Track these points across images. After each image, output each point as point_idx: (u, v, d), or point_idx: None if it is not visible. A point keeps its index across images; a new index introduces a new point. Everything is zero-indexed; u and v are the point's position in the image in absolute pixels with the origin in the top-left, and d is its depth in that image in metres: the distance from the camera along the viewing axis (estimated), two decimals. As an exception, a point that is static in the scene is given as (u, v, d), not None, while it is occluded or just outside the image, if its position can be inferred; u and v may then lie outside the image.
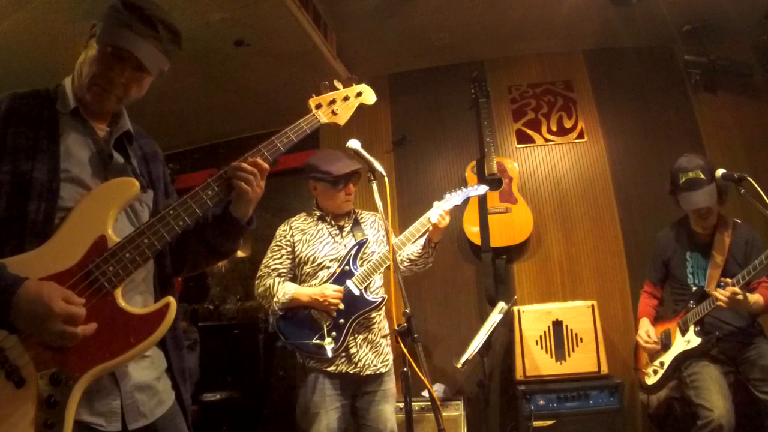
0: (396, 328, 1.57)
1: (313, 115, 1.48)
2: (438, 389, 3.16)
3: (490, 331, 2.68)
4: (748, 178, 2.20)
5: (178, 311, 1.17)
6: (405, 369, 1.53)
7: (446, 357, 3.38)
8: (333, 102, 1.53)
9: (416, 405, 2.85)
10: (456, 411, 2.95)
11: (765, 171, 3.12)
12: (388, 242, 1.74)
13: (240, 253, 5.09)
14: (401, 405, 2.79)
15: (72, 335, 1.01)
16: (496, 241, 3.37)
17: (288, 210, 4.44)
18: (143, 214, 1.29)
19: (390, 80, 4.01)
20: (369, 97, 1.63)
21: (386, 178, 1.76)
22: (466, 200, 2.53)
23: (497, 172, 3.45)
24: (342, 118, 1.55)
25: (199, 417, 3.58)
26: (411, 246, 2.39)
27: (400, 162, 3.84)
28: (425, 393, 2.70)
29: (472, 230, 3.45)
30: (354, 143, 1.88)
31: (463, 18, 3.37)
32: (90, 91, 1.23)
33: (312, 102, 1.51)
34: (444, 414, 2.88)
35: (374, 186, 1.82)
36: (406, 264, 2.45)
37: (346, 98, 1.56)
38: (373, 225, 2.51)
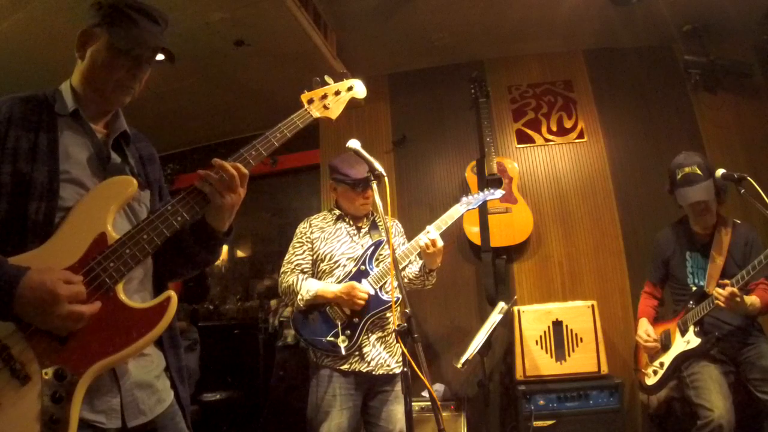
0: (396, 328, 1.57)
1: (306, 110, 1.49)
2: (438, 389, 3.16)
3: (490, 331, 2.68)
4: (748, 178, 2.20)
5: (179, 310, 1.18)
6: (405, 369, 1.53)
7: (446, 357, 3.39)
8: (325, 97, 1.54)
9: (416, 405, 2.85)
10: (456, 411, 2.95)
11: (765, 171, 3.12)
12: (388, 242, 1.74)
13: (240, 253, 5.09)
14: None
15: (79, 314, 1.02)
16: (496, 241, 3.37)
17: (288, 210, 4.45)
18: (142, 214, 1.30)
19: (390, 80, 4.01)
20: (360, 91, 1.64)
21: (386, 178, 1.76)
22: (483, 202, 2.60)
23: (497, 172, 3.45)
24: (334, 113, 1.56)
25: (199, 417, 3.58)
26: (412, 266, 2.45)
27: (400, 162, 3.84)
28: (425, 393, 2.70)
29: (472, 230, 3.45)
30: (354, 143, 1.88)
31: (463, 18, 3.37)
32: (114, 94, 1.27)
33: (304, 97, 1.52)
34: (444, 414, 2.88)
35: (374, 186, 1.82)
36: (405, 281, 2.47)
37: (337, 93, 1.58)
38: (391, 229, 2.52)
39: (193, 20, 2.82)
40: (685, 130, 3.58)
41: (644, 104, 3.68)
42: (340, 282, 2.28)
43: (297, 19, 2.86)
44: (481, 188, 3.42)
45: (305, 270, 2.37)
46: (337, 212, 2.47)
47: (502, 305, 2.82)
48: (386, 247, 2.40)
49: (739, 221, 2.51)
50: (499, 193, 2.61)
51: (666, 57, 3.73)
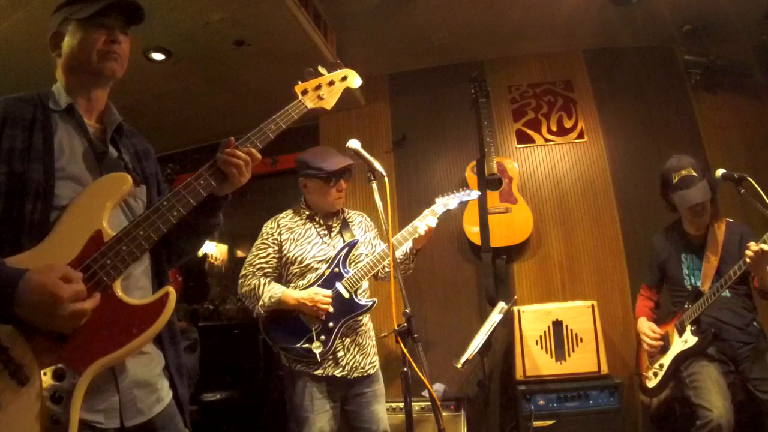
0: (396, 328, 1.57)
1: (300, 101, 1.49)
2: (438, 389, 3.15)
3: (490, 331, 2.68)
4: (748, 178, 2.20)
5: (178, 310, 1.18)
6: (405, 369, 1.53)
7: (446, 357, 3.38)
8: (319, 87, 1.54)
9: (416, 405, 2.85)
10: (456, 411, 2.95)
11: (765, 171, 3.12)
12: (388, 242, 1.74)
13: (240, 253, 5.09)
14: (401, 405, 2.79)
15: (81, 312, 1.02)
16: (496, 241, 3.37)
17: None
18: (138, 210, 1.31)
19: (390, 80, 4.01)
20: (354, 81, 1.64)
21: (386, 178, 1.76)
22: (460, 204, 2.51)
23: (497, 172, 3.45)
24: (328, 103, 1.56)
25: (199, 417, 3.57)
26: (395, 252, 2.35)
27: (400, 162, 3.84)
28: (425, 393, 2.70)
29: (472, 230, 3.45)
30: (354, 143, 1.88)
31: (463, 18, 3.37)
32: (101, 63, 1.27)
33: (298, 88, 1.52)
34: (444, 414, 2.88)
35: (374, 186, 1.81)
36: (387, 269, 2.39)
37: (331, 83, 1.57)
38: (361, 225, 2.48)
39: (193, 20, 2.82)
40: (685, 130, 3.58)
41: (644, 104, 3.67)
42: (311, 285, 2.21)
43: (297, 19, 2.86)
44: (481, 188, 3.43)
45: (267, 274, 2.28)
46: (307, 212, 2.38)
47: (502, 305, 2.82)
48: (359, 247, 2.36)
49: (731, 220, 2.52)
50: (474, 194, 2.54)
51: (666, 57, 3.73)
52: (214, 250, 4.96)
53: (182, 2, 2.66)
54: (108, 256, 1.11)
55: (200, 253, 4.27)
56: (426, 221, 2.29)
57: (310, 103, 1.50)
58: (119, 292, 1.12)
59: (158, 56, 3.12)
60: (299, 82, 1.53)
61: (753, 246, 2.13)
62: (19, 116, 1.18)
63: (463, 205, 2.70)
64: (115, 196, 1.20)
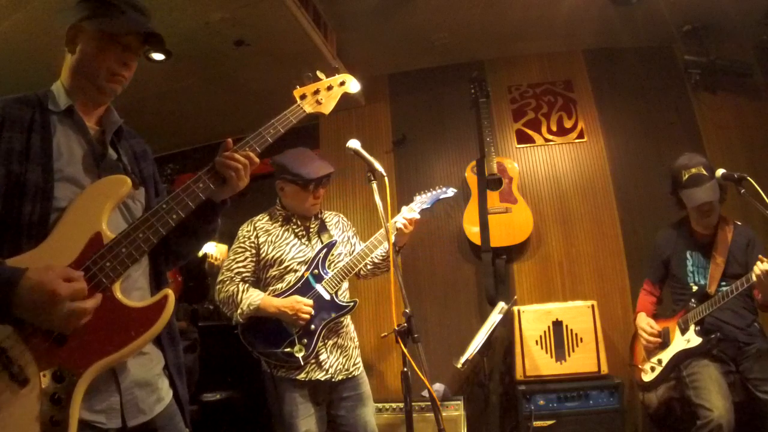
0: (396, 328, 1.57)
1: (298, 105, 1.50)
2: (438, 389, 3.15)
3: (490, 331, 2.68)
4: (748, 178, 2.20)
5: (179, 310, 1.18)
6: (405, 369, 1.53)
7: (446, 357, 3.38)
8: (317, 92, 1.55)
9: (416, 405, 2.85)
10: (456, 411, 2.94)
11: (765, 171, 3.12)
12: (388, 242, 1.74)
13: (240, 253, 5.06)
14: (401, 405, 2.80)
15: (81, 311, 1.02)
16: (496, 241, 3.37)
17: (288, 210, 4.44)
18: (137, 211, 1.31)
19: (390, 80, 4.01)
20: (352, 85, 1.65)
21: (386, 178, 1.75)
22: (436, 202, 2.52)
23: (497, 172, 3.45)
24: (326, 107, 1.57)
25: (199, 417, 3.57)
26: (377, 250, 2.32)
27: (400, 162, 3.84)
28: (425, 393, 2.71)
29: (472, 230, 3.45)
30: (354, 143, 1.88)
31: (463, 18, 3.37)
32: (106, 83, 1.28)
33: (296, 93, 1.53)
34: (444, 414, 2.88)
35: (374, 186, 1.81)
36: (369, 267, 2.39)
37: (329, 88, 1.58)
38: (338, 225, 2.47)
39: (193, 20, 2.82)
40: (685, 131, 3.58)
41: (644, 104, 3.67)
42: (291, 287, 2.20)
43: (297, 19, 2.86)
44: (481, 188, 3.43)
45: (246, 279, 2.23)
46: (283, 213, 2.35)
47: (502, 305, 2.82)
48: (338, 247, 2.36)
49: (739, 223, 2.52)
50: (451, 191, 2.55)
51: (666, 57, 3.73)
52: (214, 250, 4.95)
53: (182, 2, 2.66)
54: (107, 258, 1.11)
55: (200, 253, 4.26)
56: (402, 214, 2.29)
57: (308, 107, 1.51)
58: (119, 294, 1.13)
59: (158, 56, 3.12)
60: (298, 86, 1.53)
61: (762, 266, 2.12)
62: (17, 118, 1.18)
63: (444, 202, 2.66)
64: (114, 198, 1.20)
